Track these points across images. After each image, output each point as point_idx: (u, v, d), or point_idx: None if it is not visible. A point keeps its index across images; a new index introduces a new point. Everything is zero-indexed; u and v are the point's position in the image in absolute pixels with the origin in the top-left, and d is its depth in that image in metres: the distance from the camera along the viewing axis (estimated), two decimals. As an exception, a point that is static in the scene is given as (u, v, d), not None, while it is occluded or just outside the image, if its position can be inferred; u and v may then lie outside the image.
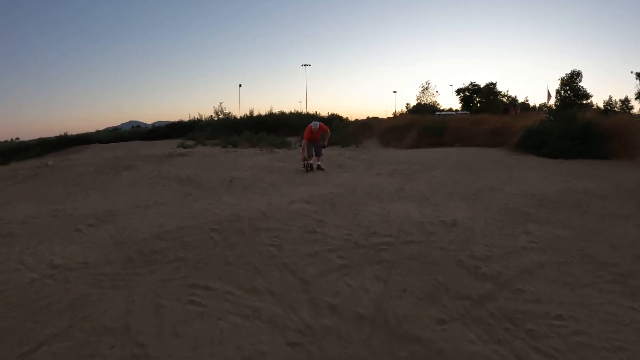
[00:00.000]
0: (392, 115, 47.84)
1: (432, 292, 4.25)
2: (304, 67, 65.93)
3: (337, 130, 31.56)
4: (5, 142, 45.60)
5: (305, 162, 12.25)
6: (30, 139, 43.69)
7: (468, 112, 41.82)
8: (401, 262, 4.98)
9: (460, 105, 52.87)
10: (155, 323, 3.85)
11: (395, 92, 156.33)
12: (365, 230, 6.15)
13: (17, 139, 46.94)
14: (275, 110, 41.63)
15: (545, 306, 3.93)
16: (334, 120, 37.96)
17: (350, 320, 3.77)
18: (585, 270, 4.77)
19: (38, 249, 6.05)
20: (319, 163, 12.61)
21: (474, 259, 5.03)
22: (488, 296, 4.15)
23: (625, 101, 39.05)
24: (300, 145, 12.39)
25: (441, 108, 57.29)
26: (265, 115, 39.30)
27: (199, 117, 42.18)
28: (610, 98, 39.97)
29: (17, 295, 4.69)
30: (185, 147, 21.71)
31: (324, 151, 12.96)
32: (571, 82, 35.87)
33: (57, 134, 40.08)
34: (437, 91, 71.79)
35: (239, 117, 40.98)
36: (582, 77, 36.08)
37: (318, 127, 12.28)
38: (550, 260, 5.05)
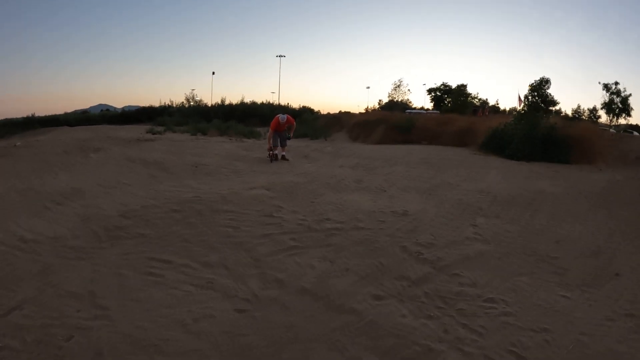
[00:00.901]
0: (364, 111, 48.22)
1: (373, 273, 4.66)
2: (278, 57, 65.46)
3: (307, 123, 31.82)
4: None
5: (270, 152, 12.55)
6: None
7: (438, 112, 42.37)
8: (348, 246, 5.40)
9: (432, 104, 53.46)
10: (116, 290, 4.22)
11: (368, 88, 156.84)
12: (319, 216, 6.57)
13: None
14: (247, 100, 41.62)
15: (479, 290, 4.33)
16: (305, 113, 38.21)
17: (294, 293, 4.17)
18: (525, 262, 5.21)
19: (7, 224, 6.22)
20: (284, 153, 12.91)
21: (418, 246, 5.49)
22: (425, 278, 4.57)
23: (593, 110, 40.50)
24: (272, 140, 12.62)
25: (413, 106, 57.69)
26: (237, 105, 39.25)
27: (169, 103, 41.84)
28: (579, 106, 41.46)
29: None
30: (154, 133, 21.64)
31: (289, 142, 13.25)
32: (540, 88, 37.01)
33: (24, 115, 39.21)
34: (409, 89, 71.99)
35: (210, 105, 40.83)
36: (550, 84, 37.31)
37: (285, 119, 12.60)
38: (492, 250, 5.52)
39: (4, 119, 40.80)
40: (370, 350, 3.25)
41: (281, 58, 62.83)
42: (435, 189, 9.17)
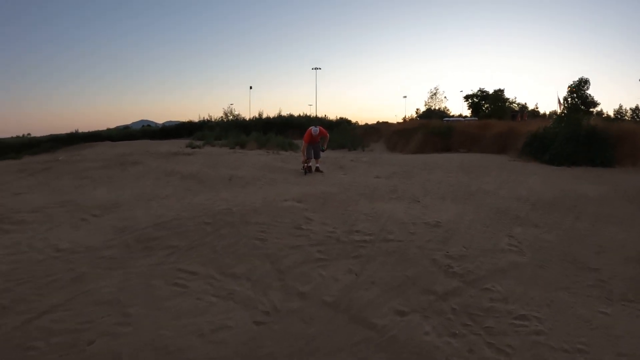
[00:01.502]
0: (401, 121, 47.96)
1: (399, 286, 4.54)
2: (314, 70, 65.99)
3: (344, 134, 31.87)
4: (17, 137, 46.20)
5: (305, 165, 12.58)
6: (42, 135, 44.19)
7: (476, 118, 41.64)
8: (376, 258, 5.32)
9: (470, 111, 52.70)
10: (143, 298, 4.36)
11: (405, 97, 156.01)
12: (349, 227, 6.52)
13: (28, 134, 47.49)
14: (284, 113, 41.96)
15: (510, 305, 4.09)
16: (342, 124, 38.25)
17: (315, 305, 4.14)
18: (562, 274, 4.93)
19: (46, 234, 6.62)
20: (318, 165, 12.92)
21: (448, 258, 5.31)
22: (454, 293, 4.38)
23: (636, 109, 39.05)
24: (306, 153, 12.63)
25: (451, 114, 56.97)
26: (274, 118, 39.63)
27: (208, 118, 42.58)
28: (621, 107, 40.04)
29: (26, 273, 5.29)
30: (193, 147, 22.06)
31: (323, 154, 13.23)
32: (579, 89, 35.98)
33: (68, 131, 40.54)
34: (445, 97, 70.89)
35: (248, 119, 41.38)
36: (589, 84, 36.21)
37: (318, 131, 12.58)
38: (527, 262, 5.25)
39: (49, 135, 42.21)
40: None
41: (317, 70, 63.16)
42: (471, 197, 8.98)
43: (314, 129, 12.49)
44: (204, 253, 5.51)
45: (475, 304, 4.11)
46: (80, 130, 40.66)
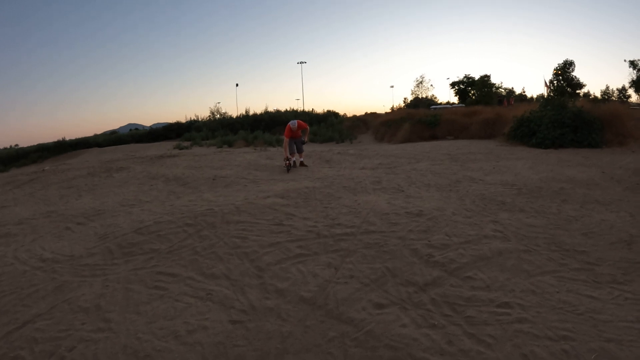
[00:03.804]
0: (389, 111, 47.89)
1: (378, 279, 4.54)
2: (299, 64, 65.65)
3: (332, 127, 31.91)
4: (5, 149, 46.04)
5: (287, 162, 12.50)
6: (30, 144, 44.07)
7: (463, 105, 41.61)
8: (356, 251, 5.33)
9: (457, 98, 52.73)
10: (122, 304, 4.41)
11: (392, 87, 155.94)
12: (330, 221, 6.54)
13: (17, 145, 47.32)
14: (271, 109, 41.92)
15: (492, 293, 4.06)
16: (330, 117, 38.21)
17: (292, 302, 4.17)
18: (548, 258, 4.90)
19: (31, 246, 6.67)
20: (302, 159, 12.95)
21: (430, 248, 5.29)
22: (434, 283, 4.36)
23: (623, 90, 39.17)
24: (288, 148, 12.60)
25: (438, 102, 56.93)
26: (261, 114, 39.55)
27: (195, 118, 42.51)
28: (607, 87, 40.16)
29: (10, 285, 5.39)
30: (181, 149, 22.08)
31: (305, 148, 13.24)
32: (564, 71, 36.07)
33: (56, 139, 40.38)
34: (431, 85, 70.62)
35: (235, 117, 41.28)
36: (574, 66, 36.36)
37: (296, 125, 12.64)
38: (512, 248, 5.22)
39: (37, 145, 42.11)
40: None
41: (302, 64, 62.88)
42: (456, 185, 9.00)
43: (292, 123, 12.52)
44: (184, 255, 5.54)
45: (456, 294, 4.08)
46: (67, 138, 40.54)
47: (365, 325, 3.62)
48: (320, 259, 5.11)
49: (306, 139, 13.31)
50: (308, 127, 13.43)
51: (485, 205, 7.23)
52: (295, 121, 12.80)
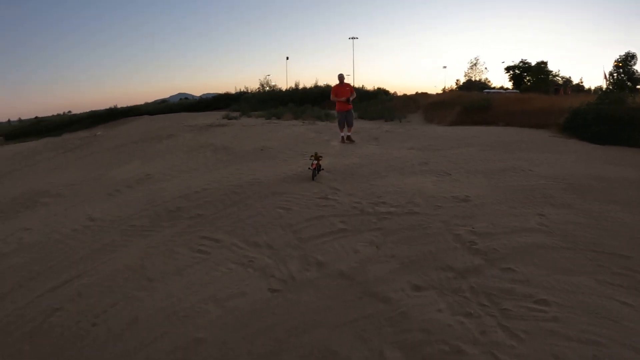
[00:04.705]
0: (440, 92, 46.77)
1: (419, 261, 4.42)
2: (351, 40, 64.44)
3: (381, 104, 31.55)
4: (58, 115, 47.91)
5: (312, 165, 8.97)
6: (82, 112, 45.67)
7: (517, 91, 39.94)
8: (399, 231, 5.21)
9: (511, 83, 50.85)
10: (165, 265, 4.57)
11: (445, 67, 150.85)
12: (375, 199, 6.43)
13: (69, 112, 49.17)
14: (321, 83, 41.56)
15: (530, 288, 3.86)
16: (380, 94, 37.75)
17: (332, 276, 4.15)
18: (589, 259, 4.59)
19: (81, 206, 7.02)
20: (349, 134, 12.73)
21: (473, 234, 5.07)
22: (474, 271, 4.18)
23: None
24: (336, 119, 12.48)
25: (492, 86, 55.00)
26: (311, 88, 39.35)
27: (245, 89, 42.77)
28: (673, 85, 37.77)
29: (60, 241, 5.72)
30: (230, 119, 22.30)
31: (355, 123, 13.03)
32: (625, 64, 34.30)
33: (108, 107, 41.56)
34: (486, 68, 67.07)
35: (284, 90, 41.29)
36: (637, 59, 34.37)
37: (344, 77, 12.63)
38: (554, 244, 4.93)
39: (89, 111, 43.55)
40: (395, 344, 3.10)
41: (354, 40, 61.91)
42: (504, 173, 8.72)
43: (340, 75, 12.56)
44: (228, 222, 5.63)
45: (495, 284, 3.91)
46: (119, 106, 41.65)
47: (401, 306, 3.56)
48: (363, 236, 5.05)
49: (353, 97, 12.87)
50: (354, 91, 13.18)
51: (532, 197, 6.94)
52: (342, 73, 12.68)
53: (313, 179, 7.39)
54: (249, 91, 42.24)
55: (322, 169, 7.77)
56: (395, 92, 43.92)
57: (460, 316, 3.39)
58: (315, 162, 7.57)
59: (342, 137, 12.65)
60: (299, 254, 4.62)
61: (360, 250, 4.66)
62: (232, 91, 43.67)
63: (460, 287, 3.86)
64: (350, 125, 12.69)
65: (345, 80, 12.84)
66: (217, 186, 7.14)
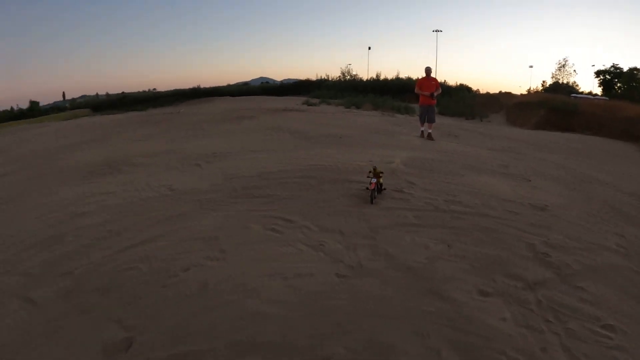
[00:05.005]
0: (525, 92, 44.77)
1: (488, 265, 4.30)
2: (435, 32, 62.64)
3: (462, 101, 30.80)
4: (144, 92, 50.49)
5: (370, 186, 9.54)
6: (166, 89, 47.91)
7: (606, 98, 37.21)
8: (472, 232, 5.07)
9: (601, 89, 47.75)
10: (238, 239, 4.73)
11: (531, 67, 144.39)
12: (450, 197, 6.30)
13: (154, 89, 51.67)
14: (403, 76, 41.03)
15: (599, 311, 3.65)
16: (462, 91, 36.82)
17: (399, 269, 4.11)
18: None
19: (161, 175, 7.43)
20: (430, 131, 12.43)
21: (547, 246, 4.84)
22: (544, 284, 4.02)
23: None
24: (417, 113, 12.31)
25: (580, 90, 51.90)
26: (392, 80, 38.95)
27: (325, 77, 43.02)
28: None
29: (137, 206, 6.12)
30: (309, 105, 22.60)
31: (436, 119, 12.73)
32: None
33: (191, 86, 43.36)
34: (574, 70, 62.94)
35: (365, 80, 41.11)
36: None
37: (431, 70, 12.31)
38: (631, 268, 4.64)
39: (173, 90, 45.48)
40: (452, 345, 3.05)
41: (437, 33, 60.23)
42: (586, 185, 8.32)
43: (428, 68, 12.28)
44: (303, 204, 5.74)
45: (563, 301, 3.72)
46: (202, 86, 43.35)
47: (465, 309, 3.47)
48: (434, 233, 4.98)
49: (437, 93, 12.54)
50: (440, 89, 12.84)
51: (613, 214, 6.53)
52: (430, 67, 12.39)
53: (372, 202, 5.96)
54: (330, 79, 42.50)
55: (385, 189, 6.37)
56: (477, 90, 42.62)
57: (523, 328, 3.28)
58: (375, 180, 6.12)
59: (422, 131, 12.44)
60: (369, 243, 4.62)
61: (431, 247, 4.60)
62: (313, 78, 44.13)
63: (527, 299, 3.72)
64: (430, 122, 12.39)
65: (432, 75, 12.61)
66: (293, 168, 7.28)
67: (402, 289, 3.77)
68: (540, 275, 4.16)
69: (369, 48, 59.30)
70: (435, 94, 12.34)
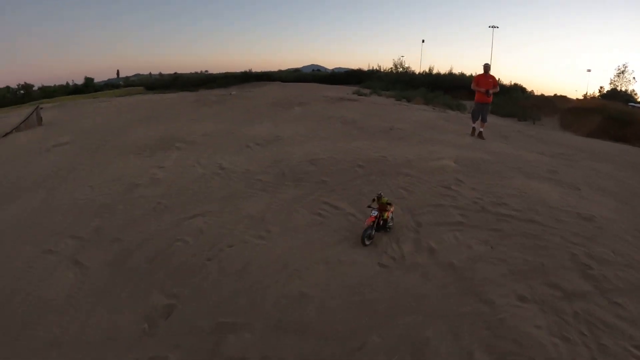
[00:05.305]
0: (581, 97, 42.94)
1: (529, 271, 4.28)
2: (491, 28, 60.66)
3: (515, 102, 29.95)
4: (196, 73, 51.50)
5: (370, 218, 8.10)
6: (217, 72, 48.61)
7: None
8: (515, 236, 5.02)
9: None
10: (284, 221, 4.91)
11: (589, 71, 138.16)
12: (496, 199, 6.24)
13: (206, 71, 52.60)
14: (456, 71, 40.07)
15: (635, 330, 3.58)
16: (515, 91, 35.73)
17: (440, 266, 4.16)
18: None
19: (212, 155, 7.73)
20: (482, 130, 12.10)
21: (589, 258, 4.71)
22: (582, 296, 3.96)
23: None
24: (470, 110, 12.00)
25: (639, 100, 49.34)
26: (444, 75, 38.05)
27: (377, 68, 42.57)
28: None
29: (189, 182, 6.44)
30: (360, 94, 22.52)
31: (489, 118, 12.31)
32: None
33: (242, 70, 43.87)
34: (634, 77, 59.48)
35: (417, 73, 40.44)
36: None
37: (489, 67, 11.86)
38: None
39: (225, 72, 46.10)
40: (486, 348, 3.11)
41: (494, 29, 58.43)
42: (636, 200, 8.04)
43: (486, 65, 11.87)
44: (350, 193, 5.83)
45: (599, 316, 3.67)
46: (253, 70, 43.75)
47: (501, 313, 3.51)
48: (478, 233, 4.97)
49: (492, 91, 11.96)
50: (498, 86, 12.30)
51: None
52: (488, 63, 11.98)
53: (363, 242, 4.44)
54: (382, 70, 42.01)
55: (391, 225, 4.87)
56: (532, 91, 40.96)
57: (556, 338, 3.28)
58: (375, 213, 4.60)
59: (473, 128, 12.16)
60: (413, 237, 4.69)
61: (474, 247, 4.61)
62: (364, 68, 43.74)
63: (563, 309, 3.70)
64: (483, 121, 12.05)
65: (490, 72, 12.24)
66: (343, 157, 7.37)
67: (442, 286, 3.83)
68: (579, 287, 4.10)
69: (423, 41, 58.53)
70: (490, 92, 11.92)
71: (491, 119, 12.80)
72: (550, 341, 3.24)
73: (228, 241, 4.45)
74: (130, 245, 4.70)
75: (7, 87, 42.99)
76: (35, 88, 43.96)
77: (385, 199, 4.77)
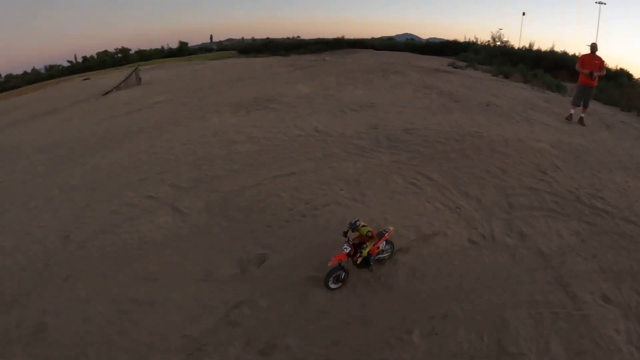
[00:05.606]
0: None
1: (618, 272, 4.11)
2: (597, 4, 55.82)
3: (620, 89, 27.92)
4: (288, 38, 51.99)
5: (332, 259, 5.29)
6: (310, 38, 48.74)
7: None
8: (609, 233, 4.80)
9: None
10: (379, 186, 5.07)
11: None
12: (594, 191, 5.93)
13: (298, 37, 52.94)
14: (558, 49, 37.59)
15: None
16: (621, 77, 33.13)
17: (530, 250, 4.14)
18: None
19: (308, 118, 7.93)
20: (583, 115, 11.12)
21: None
22: None
23: None
24: (571, 93, 11.13)
25: None
26: (546, 52, 35.81)
27: (474, 40, 40.83)
28: None
29: (286, 142, 6.71)
30: (455, 67, 21.89)
31: (590, 105, 11.37)
32: None
33: (334, 37, 43.69)
34: None
35: (516, 48, 38.46)
36: None
37: (597, 47, 10.87)
38: None
39: (317, 38, 46.20)
40: (562, 340, 3.12)
41: (600, 5, 53.67)
42: None
43: (594, 44, 10.97)
44: (445, 165, 5.85)
45: None
46: (345, 37, 43.54)
47: (584, 309, 3.45)
48: (571, 224, 4.80)
49: (597, 75, 10.93)
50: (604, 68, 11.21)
51: None
52: (595, 43, 11.04)
53: (327, 285, 3.51)
54: (479, 42, 40.30)
55: (385, 256, 3.80)
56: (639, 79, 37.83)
57: (633, 347, 3.20)
58: (348, 249, 3.49)
59: (571, 114, 11.20)
60: (504, 218, 4.65)
61: (565, 237, 4.49)
62: (460, 39, 42.16)
63: None
64: (585, 106, 11.08)
65: (598, 53, 11.08)
66: (439, 129, 7.33)
67: (529, 271, 3.83)
68: (668, 296, 3.85)
69: (523, 14, 54.67)
70: (595, 74, 10.91)
71: (593, 105, 11.93)
72: (627, 348, 3.17)
73: (323, 201, 4.67)
74: (227, 195, 5.06)
75: (105, 51, 45.37)
76: (132, 52, 46.12)
77: (365, 229, 3.59)
